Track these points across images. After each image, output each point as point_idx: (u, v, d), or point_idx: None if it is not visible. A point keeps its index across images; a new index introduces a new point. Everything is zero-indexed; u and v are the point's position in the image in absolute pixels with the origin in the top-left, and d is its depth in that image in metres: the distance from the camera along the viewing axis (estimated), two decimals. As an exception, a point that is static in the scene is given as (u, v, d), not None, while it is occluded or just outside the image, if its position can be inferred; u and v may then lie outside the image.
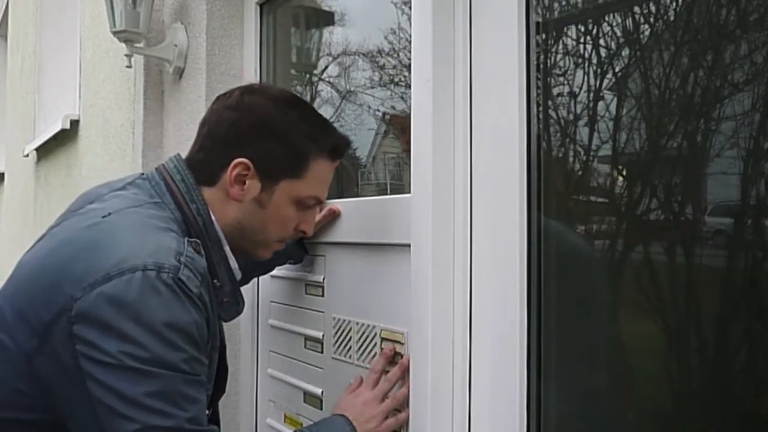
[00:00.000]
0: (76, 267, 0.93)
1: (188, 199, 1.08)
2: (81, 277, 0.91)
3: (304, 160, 1.12)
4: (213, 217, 1.09)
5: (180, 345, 0.92)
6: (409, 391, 1.15)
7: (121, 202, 1.05)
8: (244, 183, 1.09)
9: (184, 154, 1.16)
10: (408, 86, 1.25)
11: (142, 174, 1.14)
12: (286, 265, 1.53)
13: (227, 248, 1.12)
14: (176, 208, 1.07)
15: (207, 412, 1.05)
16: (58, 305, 0.91)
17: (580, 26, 1.03)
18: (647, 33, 0.95)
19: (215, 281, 1.08)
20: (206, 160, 1.12)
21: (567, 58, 1.03)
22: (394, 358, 1.22)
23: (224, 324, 1.78)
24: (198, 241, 1.03)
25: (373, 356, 1.28)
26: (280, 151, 1.11)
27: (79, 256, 0.94)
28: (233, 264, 1.13)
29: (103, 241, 0.96)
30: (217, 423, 1.24)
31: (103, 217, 1.01)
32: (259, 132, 1.10)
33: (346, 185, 1.60)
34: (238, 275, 1.15)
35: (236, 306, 1.17)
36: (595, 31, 1.02)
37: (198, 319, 0.96)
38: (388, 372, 1.20)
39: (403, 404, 1.17)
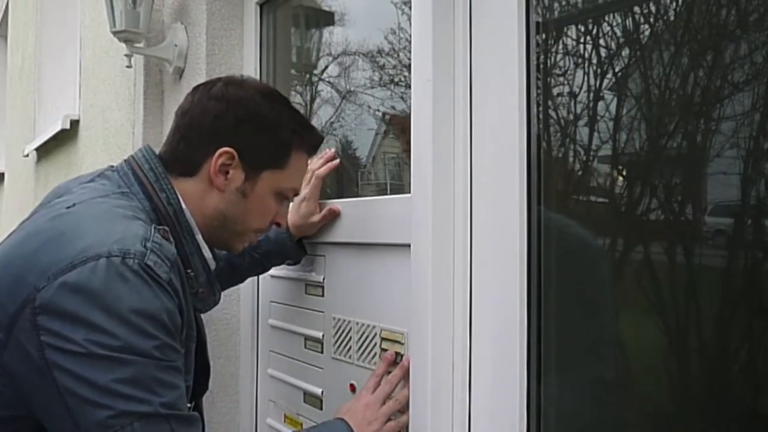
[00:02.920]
0: (40, 258, 0.92)
1: (157, 188, 1.07)
2: (45, 267, 0.90)
3: (287, 152, 1.14)
4: (184, 206, 1.09)
5: (150, 332, 0.90)
6: (409, 392, 1.15)
7: (88, 193, 1.04)
8: (227, 173, 1.10)
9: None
10: (408, 86, 1.25)
11: (112, 166, 1.13)
12: (286, 265, 1.53)
13: (200, 237, 1.11)
14: (145, 198, 1.06)
15: (189, 405, 1.04)
16: (21, 297, 0.89)
17: (580, 26, 1.03)
18: (647, 33, 0.95)
19: (189, 271, 1.07)
20: (188, 150, 1.11)
21: (567, 58, 1.03)
22: (395, 359, 1.22)
23: (223, 325, 1.80)
24: (166, 228, 1.02)
25: (373, 356, 1.28)
26: (266, 141, 1.12)
27: (44, 247, 0.93)
28: (207, 254, 1.13)
29: (67, 231, 0.95)
30: (201, 419, 1.23)
31: (68, 208, 1.00)
32: (245, 123, 1.11)
33: (346, 185, 1.60)
34: (213, 265, 1.15)
35: (212, 297, 1.16)
36: (595, 31, 1.02)
37: (168, 305, 0.94)
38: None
39: (405, 407, 1.17)
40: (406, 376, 1.16)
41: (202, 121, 1.11)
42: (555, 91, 1.04)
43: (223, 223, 1.13)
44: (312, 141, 1.20)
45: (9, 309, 0.90)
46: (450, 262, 1.11)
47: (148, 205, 1.06)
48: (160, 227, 1.00)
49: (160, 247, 0.96)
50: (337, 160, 1.43)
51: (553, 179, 1.04)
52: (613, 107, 0.97)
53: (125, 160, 1.12)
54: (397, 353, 1.22)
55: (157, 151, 1.14)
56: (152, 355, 0.90)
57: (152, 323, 0.91)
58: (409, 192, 1.15)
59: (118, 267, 0.90)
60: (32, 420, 0.94)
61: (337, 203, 1.40)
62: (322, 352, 1.45)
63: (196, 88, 1.16)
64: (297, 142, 1.15)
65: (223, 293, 1.59)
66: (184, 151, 1.11)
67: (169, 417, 0.90)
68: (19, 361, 0.90)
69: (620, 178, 0.99)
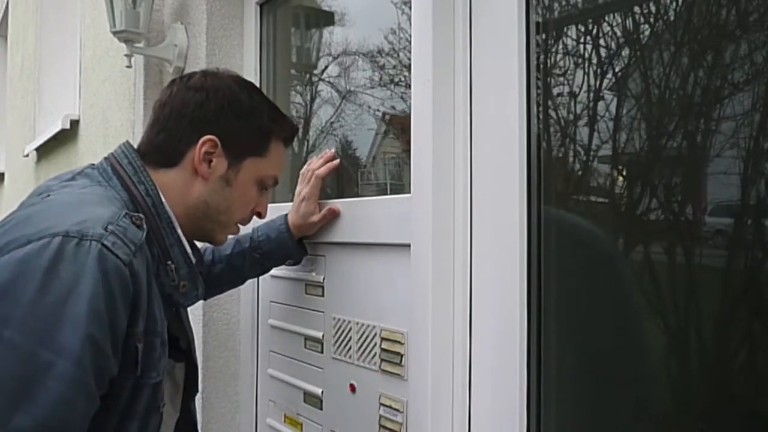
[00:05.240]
0: (2, 239, 0.90)
1: (135, 180, 1.07)
2: (3, 246, 0.88)
3: (267, 140, 1.17)
4: (163, 198, 1.08)
5: (81, 322, 0.84)
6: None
7: (67, 189, 1.04)
8: (211, 161, 1.11)
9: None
10: (408, 86, 1.25)
11: (92, 164, 1.13)
12: (287, 265, 1.53)
13: (179, 230, 1.09)
14: (122, 189, 1.06)
15: (161, 405, 1.02)
16: None
17: (580, 26, 1.03)
18: (647, 33, 0.95)
19: (169, 263, 1.06)
20: (169, 141, 1.11)
21: (567, 58, 1.03)
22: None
23: (223, 325, 1.80)
24: (141, 216, 1.00)
25: (373, 356, 1.28)
26: (246, 129, 1.14)
27: (9, 230, 0.92)
28: (187, 247, 1.11)
29: (34, 215, 0.94)
30: (192, 422, 1.22)
31: (43, 197, 1.00)
32: (227, 111, 1.12)
33: (346, 185, 1.59)
34: (193, 258, 1.13)
35: (195, 290, 1.12)
36: (595, 31, 1.02)
37: (117, 295, 0.89)
38: None
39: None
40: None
41: (182, 111, 1.11)
42: (555, 91, 1.04)
43: (206, 213, 1.13)
44: (289, 130, 1.22)
45: None
46: (450, 262, 1.11)
47: (126, 196, 1.05)
48: (135, 214, 0.98)
49: (123, 231, 0.92)
50: (337, 161, 1.43)
51: (553, 179, 1.04)
52: (613, 107, 0.97)
53: (105, 158, 1.12)
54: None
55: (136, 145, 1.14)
56: (69, 348, 0.83)
57: (87, 311, 0.85)
58: (409, 192, 1.15)
59: (71, 247, 0.87)
60: None
61: (337, 203, 1.40)
62: (322, 352, 1.45)
63: (173, 81, 1.17)
64: (276, 130, 1.18)
65: (223, 294, 1.60)
66: (165, 142, 1.12)
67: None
68: None
69: (620, 178, 0.99)
